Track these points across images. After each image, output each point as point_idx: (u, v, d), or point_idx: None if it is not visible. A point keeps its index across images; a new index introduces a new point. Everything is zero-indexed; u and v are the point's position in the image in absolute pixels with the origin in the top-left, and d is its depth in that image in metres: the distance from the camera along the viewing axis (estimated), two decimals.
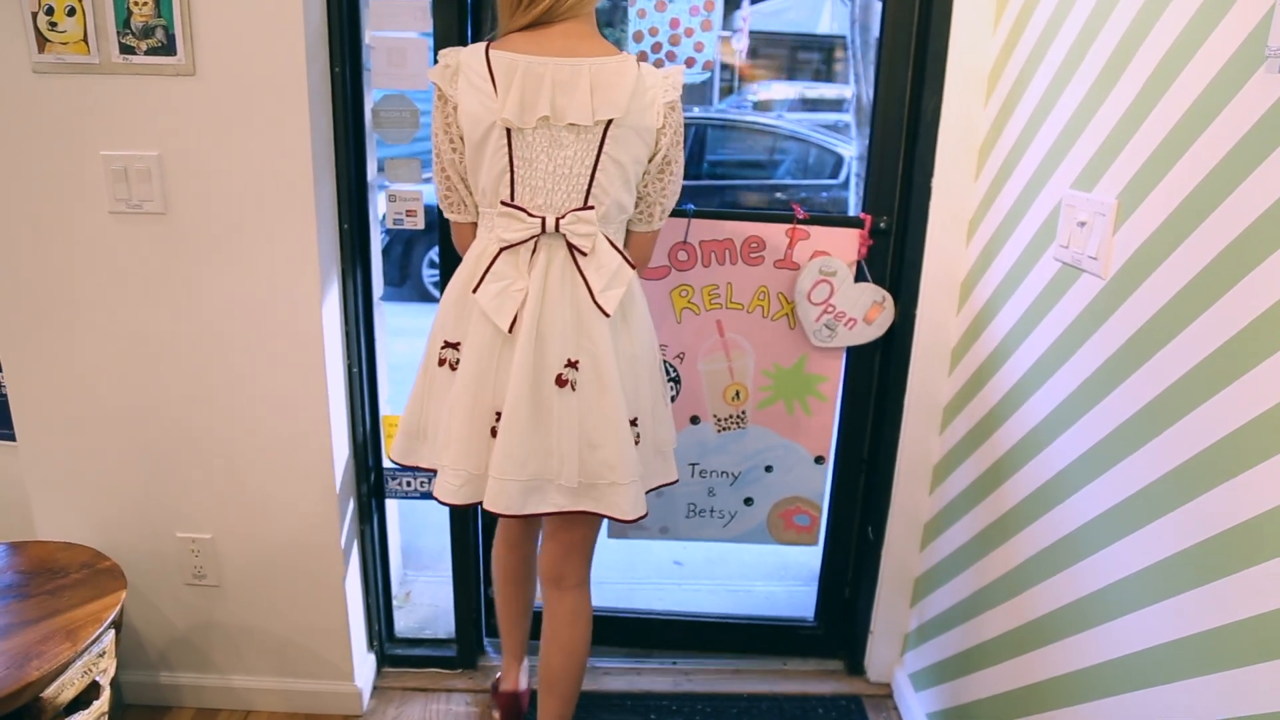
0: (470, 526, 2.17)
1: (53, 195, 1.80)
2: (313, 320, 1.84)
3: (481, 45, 1.48)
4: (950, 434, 1.91)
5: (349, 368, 2.00)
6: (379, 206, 2.06)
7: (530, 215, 1.49)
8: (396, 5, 1.84)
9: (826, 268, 2.00)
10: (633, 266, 1.58)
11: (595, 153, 1.48)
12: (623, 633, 2.39)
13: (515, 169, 1.48)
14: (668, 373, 2.09)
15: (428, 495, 2.16)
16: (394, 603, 2.34)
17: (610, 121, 1.47)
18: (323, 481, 1.96)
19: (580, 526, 1.71)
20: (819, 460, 2.18)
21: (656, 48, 1.97)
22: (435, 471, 1.60)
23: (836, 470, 2.19)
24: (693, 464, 2.19)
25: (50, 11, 1.70)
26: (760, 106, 7.57)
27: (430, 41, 1.84)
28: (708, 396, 2.14)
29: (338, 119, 1.85)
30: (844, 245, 2.00)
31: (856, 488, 2.18)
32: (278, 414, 1.91)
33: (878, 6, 1.96)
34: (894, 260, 1.99)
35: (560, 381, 1.52)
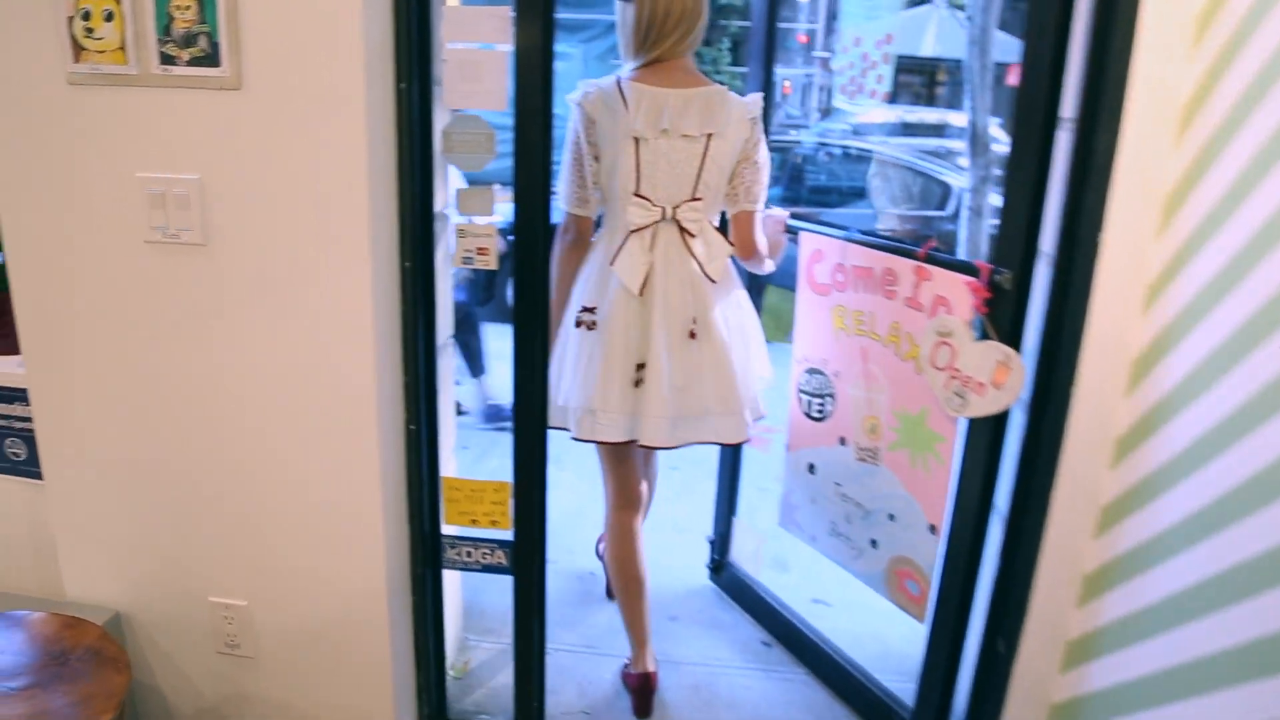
0: (535, 589, 1.91)
1: (85, 220, 1.61)
2: (365, 371, 1.61)
3: (612, 78, 1.94)
4: (1112, 541, 1.57)
5: (406, 424, 1.76)
6: (448, 243, 1.83)
7: (654, 205, 1.93)
8: (475, 15, 1.60)
9: (943, 328, 1.73)
10: (732, 245, 2.01)
11: (701, 157, 1.92)
12: None
13: (641, 170, 1.91)
14: (826, 388, 2.19)
15: (491, 568, 1.91)
16: (451, 673, 2.10)
17: (711, 134, 1.92)
18: (370, 552, 1.72)
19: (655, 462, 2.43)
20: (932, 529, 1.89)
21: (853, 81, 2.42)
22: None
23: (947, 552, 1.87)
24: (837, 484, 2.17)
25: (87, 16, 1.50)
26: (860, 130, 7.23)
27: (511, 55, 1.59)
28: (852, 421, 2.10)
29: (402, 142, 1.61)
30: (959, 295, 1.72)
31: (965, 579, 1.85)
32: (323, 475, 1.68)
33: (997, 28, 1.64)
34: (1023, 317, 1.67)
35: (691, 334, 1.96)
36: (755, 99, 1.98)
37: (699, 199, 1.94)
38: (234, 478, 1.71)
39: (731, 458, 2.60)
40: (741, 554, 2.65)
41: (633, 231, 1.93)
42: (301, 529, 1.72)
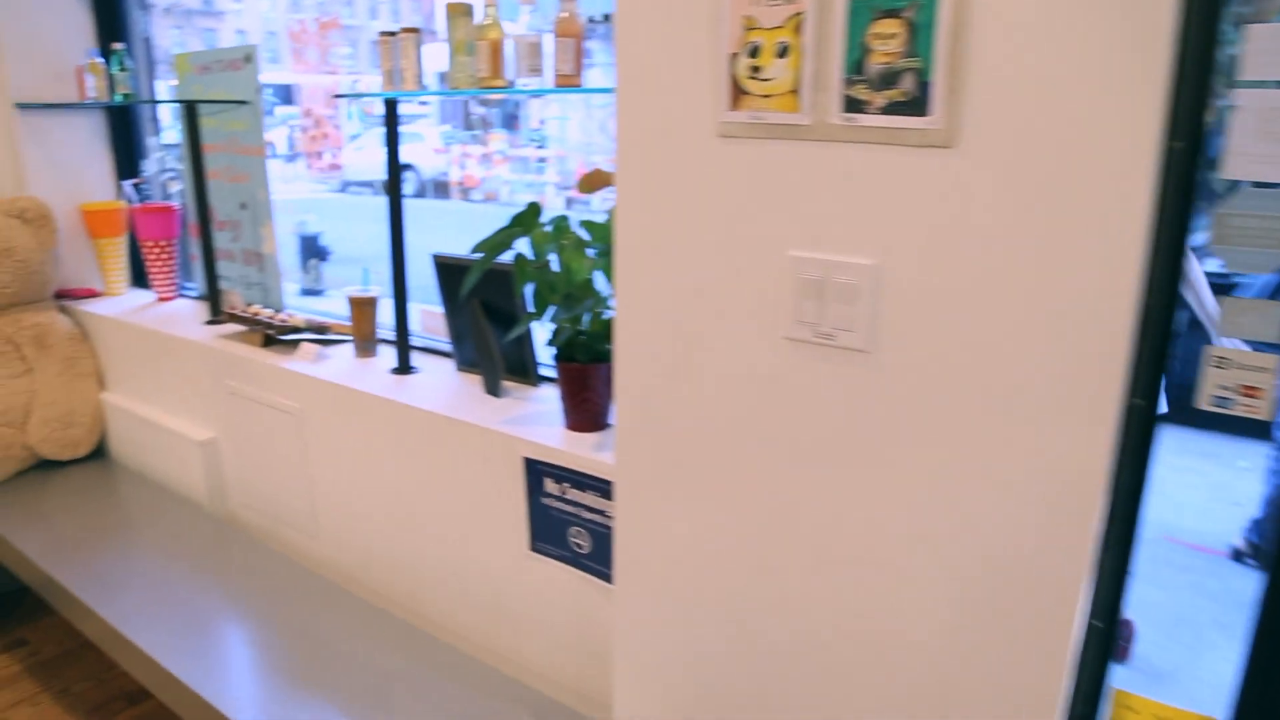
0: None
1: (713, 298, 1.28)
2: (1076, 557, 1.11)
3: None
4: None
5: (1090, 620, 1.23)
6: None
7: None
8: None
9: None
10: None
11: None
12: None
13: None
14: None
15: None
16: None
17: None
18: None
19: None
20: None
21: None
22: None
23: None
24: None
25: (755, 52, 1.16)
26: None
27: None
28: None
29: (1161, 229, 1.09)
30: None
31: None
32: (962, 662, 1.21)
33: None
34: None
35: None
36: None
37: None
38: (835, 632, 1.30)
39: None
40: None
41: None
42: (918, 711, 1.27)
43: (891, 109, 1.09)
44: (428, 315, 2.41)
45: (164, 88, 3.21)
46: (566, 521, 1.74)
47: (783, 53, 1.14)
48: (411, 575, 2.08)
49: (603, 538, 1.69)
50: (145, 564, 2.27)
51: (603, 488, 1.65)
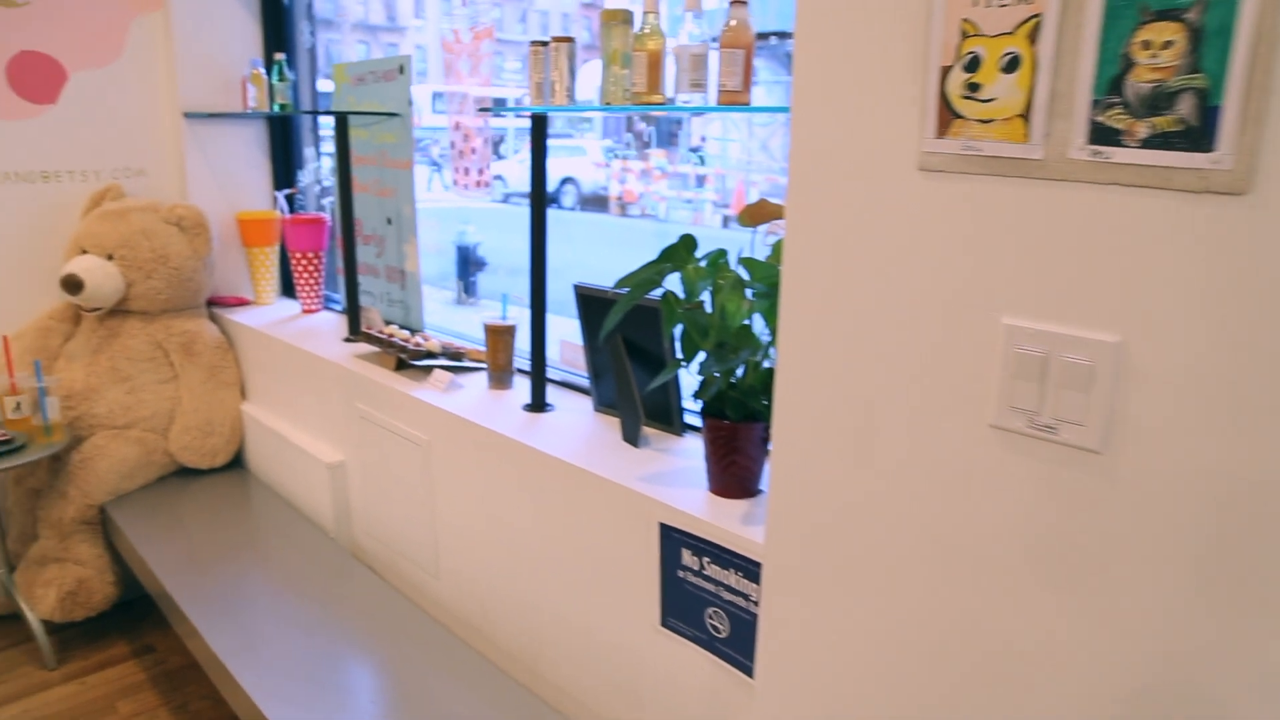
0: None
1: (895, 368, 1.04)
2: None
3: None
4: None
5: None
6: None
7: None
8: None
9: None
10: None
11: None
12: None
13: None
14: None
15: None
16: None
17: None
18: None
19: None
20: None
21: None
22: None
23: None
24: None
25: (974, 65, 0.92)
26: None
27: None
28: None
29: None
30: None
31: None
32: None
33: None
34: None
35: None
36: None
37: None
38: None
39: None
40: None
41: None
42: None
43: (1157, 141, 0.83)
44: (567, 347, 2.24)
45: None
46: (704, 600, 1.52)
47: (1010, 66, 0.90)
48: (533, 631, 1.91)
49: (744, 624, 1.46)
50: (262, 589, 2.18)
51: (748, 568, 1.43)
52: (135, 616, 2.80)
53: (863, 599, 1.14)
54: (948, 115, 0.95)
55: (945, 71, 0.94)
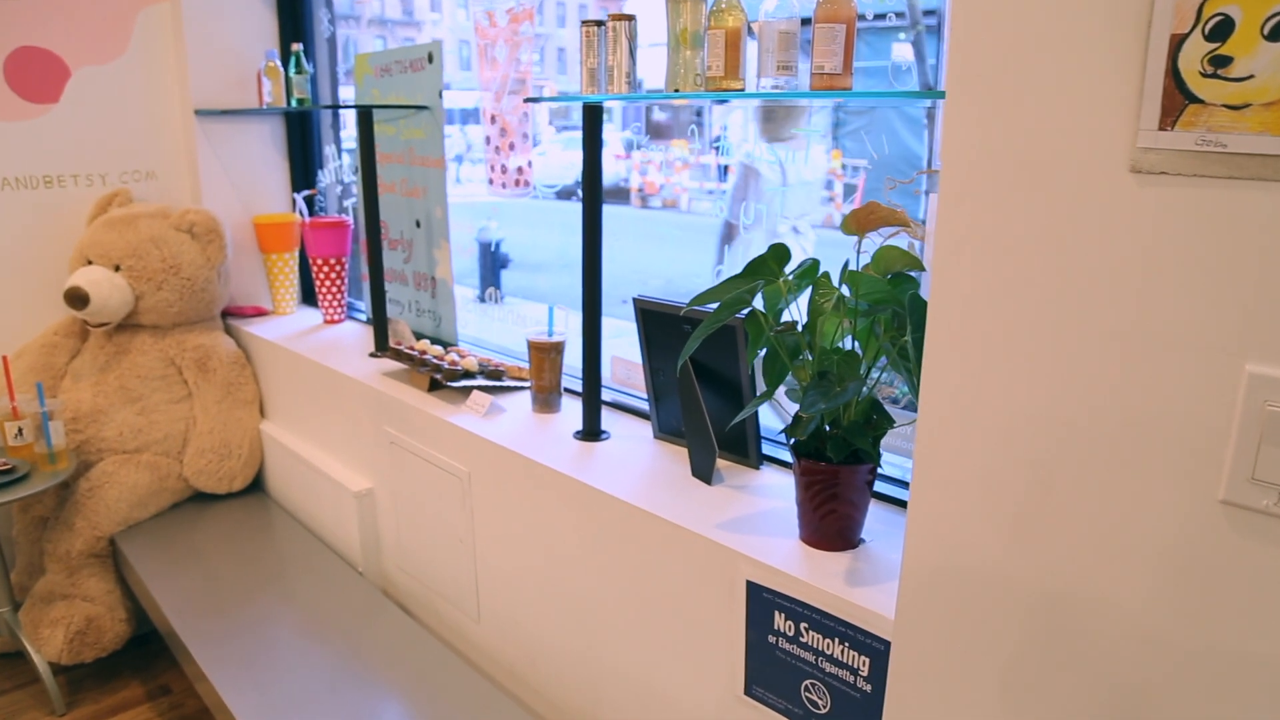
0: None
1: (1088, 423, 0.82)
2: None
3: None
4: None
5: None
6: None
7: None
8: None
9: None
10: None
11: None
12: None
13: None
14: None
15: None
16: None
17: None
18: None
19: None
20: None
21: None
22: None
23: None
24: None
25: (1222, 31, 0.69)
26: None
27: None
28: None
29: None
30: None
31: None
32: None
33: None
34: None
35: None
36: None
37: None
38: None
39: None
40: None
41: None
42: None
43: None
44: (619, 364, 2.03)
45: (350, 94, 2.99)
46: (799, 670, 1.30)
47: (1277, 33, 0.67)
48: (589, 688, 1.69)
49: (851, 701, 1.24)
50: (283, 630, 1.98)
51: (858, 639, 1.21)
52: (150, 654, 2.60)
53: (1029, 696, 0.92)
54: (1178, 99, 0.72)
55: (1177, 41, 0.71)
